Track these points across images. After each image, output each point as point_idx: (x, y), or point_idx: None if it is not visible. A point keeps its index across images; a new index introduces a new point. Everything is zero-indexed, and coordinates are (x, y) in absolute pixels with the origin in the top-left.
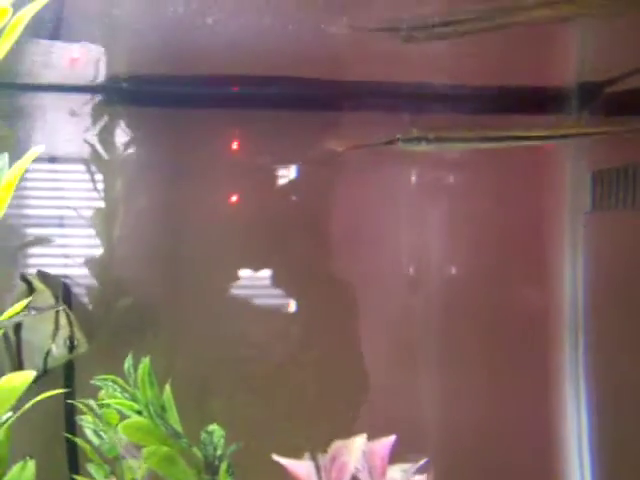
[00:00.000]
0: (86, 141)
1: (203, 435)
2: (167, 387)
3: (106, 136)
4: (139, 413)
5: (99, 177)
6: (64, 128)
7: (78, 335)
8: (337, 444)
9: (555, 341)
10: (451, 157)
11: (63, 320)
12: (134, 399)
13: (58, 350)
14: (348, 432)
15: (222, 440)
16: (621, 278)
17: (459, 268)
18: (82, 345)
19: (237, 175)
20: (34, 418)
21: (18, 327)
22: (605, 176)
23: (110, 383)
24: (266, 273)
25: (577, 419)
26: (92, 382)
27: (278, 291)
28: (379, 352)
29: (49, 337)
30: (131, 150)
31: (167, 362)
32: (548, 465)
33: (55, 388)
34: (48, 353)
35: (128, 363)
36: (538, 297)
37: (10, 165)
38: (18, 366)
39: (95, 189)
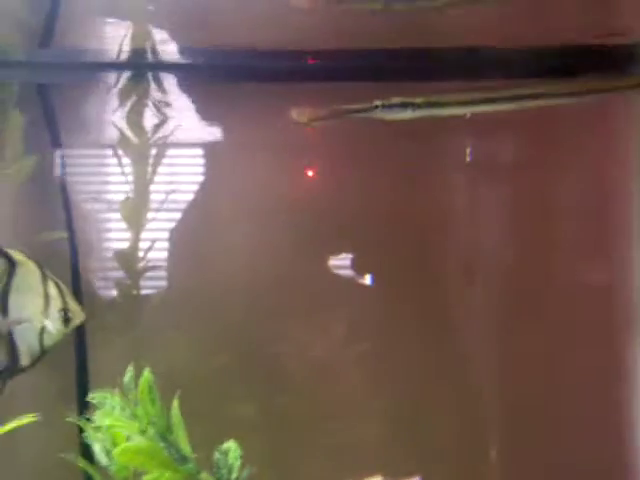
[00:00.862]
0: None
1: (216, 455)
2: (175, 403)
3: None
4: (143, 433)
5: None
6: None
7: (72, 305)
8: None
9: (624, 325)
10: (500, 128)
11: (53, 291)
12: (135, 417)
13: (53, 325)
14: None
15: (238, 461)
16: None
17: (516, 247)
18: (77, 315)
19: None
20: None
21: (4, 307)
22: None
23: (109, 400)
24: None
25: None
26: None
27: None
28: (440, 335)
29: (40, 313)
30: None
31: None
32: (617, 460)
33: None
34: (43, 330)
35: (128, 376)
36: (605, 278)
37: (25, 152)
38: (11, 350)
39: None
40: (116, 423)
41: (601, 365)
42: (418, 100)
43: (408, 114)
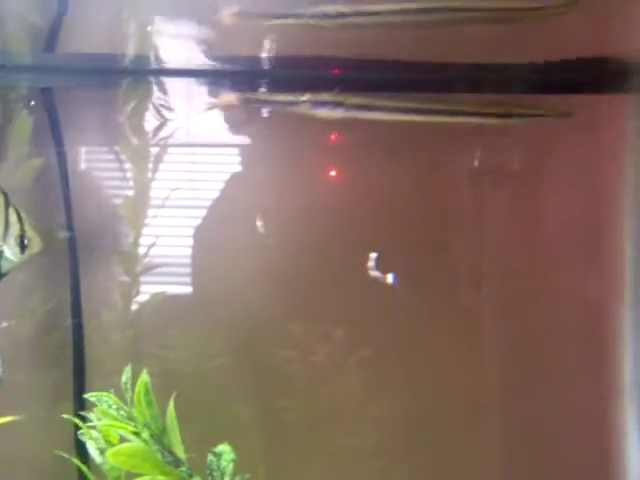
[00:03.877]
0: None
1: (209, 457)
2: (170, 405)
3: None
4: (136, 434)
5: None
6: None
7: (30, 233)
8: None
9: (613, 336)
10: (503, 138)
11: (13, 218)
12: (130, 419)
13: (11, 251)
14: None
15: (231, 465)
16: None
17: (513, 259)
18: (35, 244)
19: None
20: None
21: None
22: None
23: (105, 399)
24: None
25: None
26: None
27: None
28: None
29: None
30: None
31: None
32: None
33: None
34: (1, 255)
35: (126, 376)
36: (596, 293)
37: (30, 153)
38: None
39: None
40: (112, 423)
41: (590, 375)
42: (350, 100)
43: (338, 114)
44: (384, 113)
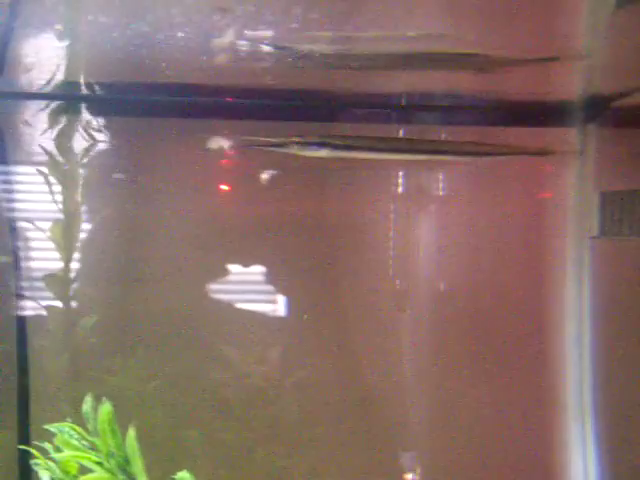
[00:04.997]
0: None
1: None
2: (131, 433)
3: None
4: (99, 464)
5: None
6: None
7: None
8: None
9: (558, 370)
10: (451, 168)
11: None
12: (93, 448)
13: None
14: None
15: None
16: (630, 306)
17: (453, 286)
18: None
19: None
20: None
21: None
22: (614, 199)
23: (66, 429)
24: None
25: (583, 453)
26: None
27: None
28: (369, 363)
29: None
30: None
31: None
32: None
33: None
34: None
35: (87, 405)
36: (539, 321)
37: None
38: None
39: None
40: (75, 454)
41: (533, 391)
42: (336, 141)
43: (324, 153)
44: (367, 152)
